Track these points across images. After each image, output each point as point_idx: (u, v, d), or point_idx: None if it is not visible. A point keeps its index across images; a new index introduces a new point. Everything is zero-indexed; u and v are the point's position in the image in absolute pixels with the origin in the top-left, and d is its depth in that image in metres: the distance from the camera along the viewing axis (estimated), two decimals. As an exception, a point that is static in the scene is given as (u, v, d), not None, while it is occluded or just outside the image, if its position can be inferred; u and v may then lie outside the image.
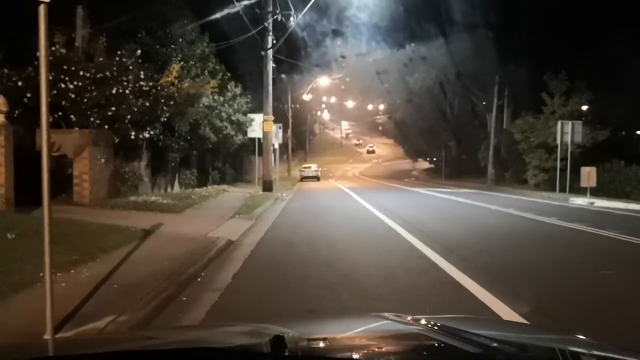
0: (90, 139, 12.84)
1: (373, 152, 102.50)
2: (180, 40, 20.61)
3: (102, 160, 13.30)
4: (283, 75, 39.36)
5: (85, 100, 13.50)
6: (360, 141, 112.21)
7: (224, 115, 23.38)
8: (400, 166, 76.82)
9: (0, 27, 12.61)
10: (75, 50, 14.32)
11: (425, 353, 1.84)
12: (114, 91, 13.83)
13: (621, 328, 4.85)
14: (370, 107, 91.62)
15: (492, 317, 4.81)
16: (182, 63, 19.26)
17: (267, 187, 22.12)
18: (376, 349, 1.99)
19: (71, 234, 7.63)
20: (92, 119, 13.59)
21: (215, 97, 22.25)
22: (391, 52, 45.23)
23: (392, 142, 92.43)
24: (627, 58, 24.92)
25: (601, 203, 19.96)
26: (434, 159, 61.60)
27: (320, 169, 47.55)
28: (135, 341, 2.28)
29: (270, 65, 22.56)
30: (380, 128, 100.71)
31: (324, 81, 55.32)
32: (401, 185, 37.90)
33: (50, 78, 9.26)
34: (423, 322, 2.30)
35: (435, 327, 2.17)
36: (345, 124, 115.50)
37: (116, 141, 14.11)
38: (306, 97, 61.23)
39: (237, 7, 19.30)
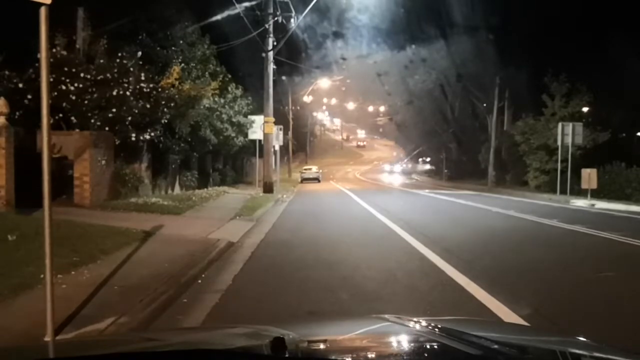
0: (91, 141, 12.84)
1: (363, 146, 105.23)
2: (181, 42, 20.64)
3: (103, 162, 13.29)
4: (284, 77, 39.40)
5: (86, 102, 13.51)
6: (347, 135, 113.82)
7: (224, 117, 23.39)
8: (400, 168, 77.05)
9: (1, 29, 12.62)
10: (76, 52, 14.34)
11: (425, 355, 1.84)
12: (114, 93, 13.83)
13: (622, 330, 4.84)
14: (371, 108, 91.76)
15: (493, 319, 4.81)
16: (182, 65, 19.28)
17: (268, 188, 22.13)
18: (377, 351, 1.99)
19: (72, 235, 7.63)
20: (92, 121, 13.59)
21: (216, 99, 22.26)
22: (392, 54, 45.29)
23: (393, 143, 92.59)
24: (627, 60, 24.94)
25: (602, 205, 19.95)
26: (432, 160, 61.71)
27: (320, 171, 47.55)
28: (135, 343, 2.28)
29: (271, 67, 22.58)
30: (381, 130, 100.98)
31: (324, 83, 55.37)
32: (401, 187, 37.90)
33: (51, 80, 9.29)
34: (424, 323, 2.30)
35: (436, 329, 2.17)
36: (362, 133, 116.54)
37: (117, 143, 14.11)
38: (307, 98, 61.26)
39: (238, 9, 19.34)
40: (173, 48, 20.02)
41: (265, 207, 16.35)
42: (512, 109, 36.49)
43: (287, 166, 52.33)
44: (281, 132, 27.95)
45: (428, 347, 1.96)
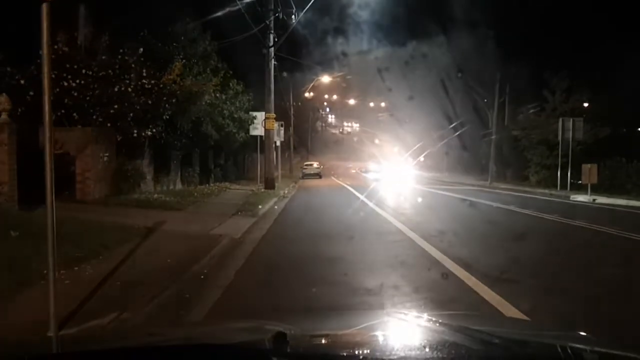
0: (93, 137, 12.85)
1: (349, 133, 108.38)
2: (182, 38, 20.60)
3: (105, 158, 13.30)
4: (285, 73, 39.27)
5: (88, 98, 13.51)
6: (340, 127, 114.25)
7: (226, 112, 23.35)
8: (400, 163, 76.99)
9: (3, 26, 12.62)
10: (77, 48, 14.33)
11: (427, 349, 1.86)
12: (116, 89, 13.83)
13: (622, 323, 4.85)
14: (372, 104, 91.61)
15: (494, 314, 4.82)
16: (184, 61, 19.25)
17: (269, 184, 22.12)
18: (378, 346, 2.00)
19: (74, 231, 7.63)
20: (94, 117, 13.60)
21: (217, 95, 22.22)
22: (392, 50, 45.29)
23: (395, 139, 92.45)
24: (628, 55, 24.89)
25: (603, 200, 19.95)
26: (433, 155, 61.64)
27: (322, 167, 47.47)
28: (138, 338, 2.30)
29: (272, 63, 22.52)
30: (382, 125, 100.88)
31: (325, 79, 55.24)
32: (403, 182, 37.86)
33: (53, 76, 9.26)
34: (425, 318, 2.31)
35: (437, 324, 2.19)
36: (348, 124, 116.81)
37: (119, 139, 14.11)
38: (308, 94, 61.20)
39: (239, 5, 19.27)
40: (174, 44, 19.99)
41: (267, 203, 16.33)
42: (513, 104, 36.39)
43: (289, 162, 52.24)
44: (282, 128, 27.91)
45: (429, 341, 1.97)
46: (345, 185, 31.03)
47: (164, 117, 15.90)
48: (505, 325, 2.81)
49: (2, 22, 12.58)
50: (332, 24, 43.20)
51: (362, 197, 20.67)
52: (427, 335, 2.08)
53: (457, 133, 47.23)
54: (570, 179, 24.18)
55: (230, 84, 24.51)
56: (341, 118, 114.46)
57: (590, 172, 21.60)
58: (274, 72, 23.29)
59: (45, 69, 3.94)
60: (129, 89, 14.12)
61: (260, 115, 23.13)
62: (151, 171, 17.12)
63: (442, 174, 50.33)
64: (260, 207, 14.65)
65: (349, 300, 5.57)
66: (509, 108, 36.98)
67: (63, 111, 13.12)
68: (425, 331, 2.17)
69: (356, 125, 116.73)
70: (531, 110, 30.89)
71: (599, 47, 28.11)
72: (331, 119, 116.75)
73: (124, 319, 4.48)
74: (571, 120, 25.14)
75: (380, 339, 2.14)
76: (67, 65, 13.34)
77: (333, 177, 45.36)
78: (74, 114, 13.45)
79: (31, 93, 12.32)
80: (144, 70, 15.13)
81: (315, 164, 47.30)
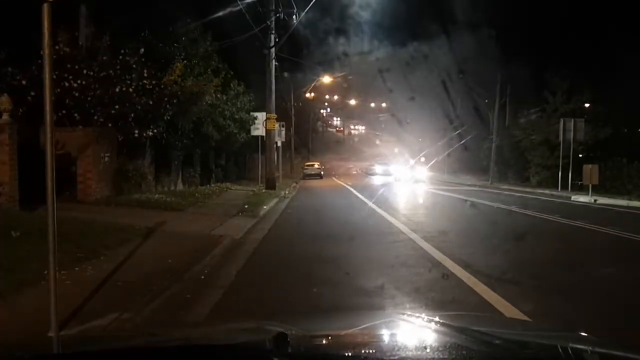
0: (94, 137, 12.85)
1: (350, 133, 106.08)
2: (183, 38, 20.56)
3: (106, 159, 13.30)
4: (285, 74, 39.25)
5: (89, 98, 13.49)
6: (338, 124, 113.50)
7: (227, 113, 23.33)
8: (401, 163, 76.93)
9: (4, 26, 12.61)
10: (78, 48, 14.32)
11: (428, 350, 1.86)
12: (117, 89, 13.81)
13: (623, 324, 4.85)
14: (373, 105, 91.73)
15: (495, 315, 4.81)
16: (185, 61, 19.24)
17: (270, 184, 22.14)
18: (379, 346, 2.00)
19: (75, 231, 7.65)
20: (95, 117, 13.59)
21: (219, 96, 22.20)
22: (394, 50, 45.34)
23: (395, 139, 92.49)
24: (629, 55, 24.88)
25: (603, 200, 19.95)
26: (434, 156, 61.68)
27: (323, 167, 47.52)
28: (139, 338, 2.30)
29: (273, 63, 22.54)
30: (383, 126, 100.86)
31: (326, 79, 55.22)
32: (404, 182, 37.85)
33: (54, 76, 9.27)
34: (426, 319, 2.31)
35: (438, 324, 2.19)
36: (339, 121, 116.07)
37: (120, 139, 14.11)
38: (309, 95, 61.20)
39: (240, 6, 19.28)
40: (175, 45, 19.95)
41: (268, 203, 16.33)
42: (513, 105, 36.39)
43: (290, 162, 52.23)
44: (283, 129, 27.93)
45: (431, 342, 1.97)
46: (346, 186, 31.06)
47: (165, 117, 15.89)
48: (506, 326, 2.81)
49: (3, 22, 12.56)
50: (333, 25, 43.25)
51: (362, 198, 20.64)
52: (428, 336, 2.08)
53: (458, 133, 47.25)
54: (571, 179, 24.17)
55: (231, 85, 24.49)
56: (342, 118, 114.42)
57: (591, 172, 21.58)
58: (275, 72, 23.30)
59: (47, 69, 3.95)
60: (130, 90, 14.10)
61: (261, 116, 23.16)
62: (152, 171, 17.12)
63: (443, 175, 50.29)
64: (261, 207, 14.65)
65: (350, 300, 5.57)
66: (509, 109, 36.98)
67: (64, 111, 13.10)
68: (427, 331, 2.17)
69: (361, 128, 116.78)
70: (533, 116, 30.87)
71: (600, 48, 28.13)
72: (336, 121, 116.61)
73: (124, 319, 4.48)
74: (572, 120, 25.15)
75: (382, 339, 2.14)
76: (68, 66, 13.33)
77: (334, 178, 45.39)
78: (75, 114, 13.43)
79: (32, 93, 12.30)
80: (145, 71, 15.10)
81: (316, 165, 47.35)
